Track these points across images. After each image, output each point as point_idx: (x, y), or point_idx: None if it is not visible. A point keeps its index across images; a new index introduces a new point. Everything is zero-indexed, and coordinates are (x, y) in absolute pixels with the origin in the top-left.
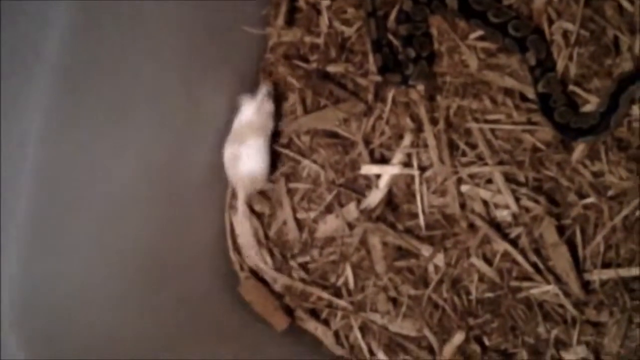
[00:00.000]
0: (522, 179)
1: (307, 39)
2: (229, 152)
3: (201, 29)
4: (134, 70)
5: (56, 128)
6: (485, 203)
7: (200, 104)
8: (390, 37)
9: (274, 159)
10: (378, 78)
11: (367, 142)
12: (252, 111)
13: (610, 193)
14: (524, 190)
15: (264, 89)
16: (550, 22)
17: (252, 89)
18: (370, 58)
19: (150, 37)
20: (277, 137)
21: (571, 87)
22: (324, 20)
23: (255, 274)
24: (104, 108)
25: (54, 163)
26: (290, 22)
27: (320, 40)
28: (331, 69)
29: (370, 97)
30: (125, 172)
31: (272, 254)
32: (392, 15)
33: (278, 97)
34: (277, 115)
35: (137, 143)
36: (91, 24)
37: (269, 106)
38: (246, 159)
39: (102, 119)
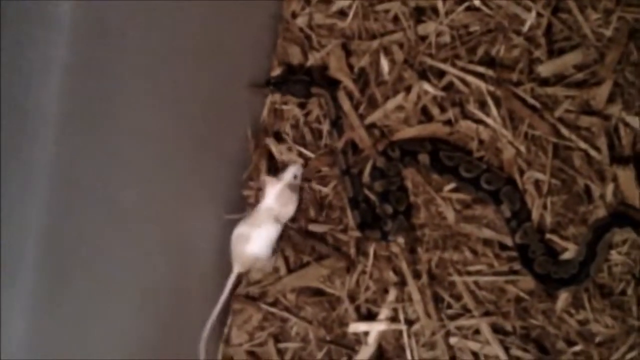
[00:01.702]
0: (509, 328)
1: None
2: (240, 230)
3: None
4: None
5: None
6: (475, 355)
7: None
8: (367, 192)
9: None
10: (358, 233)
11: (352, 298)
12: (274, 196)
13: (598, 339)
14: (512, 339)
15: (292, 170)
16: (522, 173)
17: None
18: (349, 214)
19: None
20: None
21: (548, 236)
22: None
23: None
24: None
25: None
26: None
27: None
28: (312, 228)
29: (352, 251)
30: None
31: None
32: (367, 171)
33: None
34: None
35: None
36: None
37: (294, 190)
38: (255, 241)
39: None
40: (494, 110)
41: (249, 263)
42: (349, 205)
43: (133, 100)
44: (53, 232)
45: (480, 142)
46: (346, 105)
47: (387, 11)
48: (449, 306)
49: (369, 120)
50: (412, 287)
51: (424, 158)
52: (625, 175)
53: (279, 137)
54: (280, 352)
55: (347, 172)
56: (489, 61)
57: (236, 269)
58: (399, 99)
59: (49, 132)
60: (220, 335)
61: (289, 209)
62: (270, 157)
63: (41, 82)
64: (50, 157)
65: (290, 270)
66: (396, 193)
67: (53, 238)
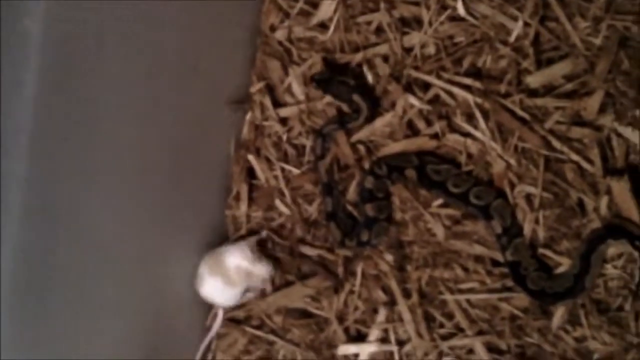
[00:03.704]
0: (504, 347)
1: (268, 215)
2: (200, 270)
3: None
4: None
5: None
6: None
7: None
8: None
9: None
10: (347, 252)
11: (340, 318)
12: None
13: (595, 357)
14: (507, 358)
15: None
16: (512, 187)
17: None
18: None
19: None
20: None
21: (541, 250)
22: (287, 199)
23: None
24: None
25: None
26: (250, 199)
27: (282, 219)
28: (303, 250)
29: (340, 270)
30: None
31: None
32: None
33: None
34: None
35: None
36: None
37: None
38: (209, 288)
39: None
40: (482, 122)
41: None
42: (322, 190)
43: (109, 118)
44: (25, 254)
45: (469, 156)
46: None
47: (369, 23)
48: (441, 325)
49: (355, 138)
50: (402, 306)
51: (410, 173)
52: (620, 187)
53: (260, 154)
54: None
55: (322, 157)
56: (476, 72)
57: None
58: (388, 117)
59: (21, 146)
60: None
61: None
62: (252, 174)
63: (14, 94)
64: (22, 173)
65: (275, 290)
66: (383, 224)
67: (24, 264)
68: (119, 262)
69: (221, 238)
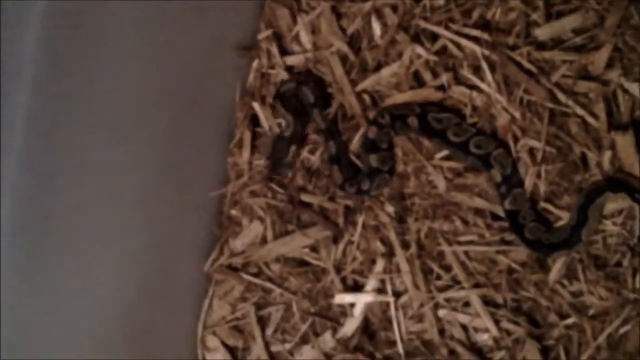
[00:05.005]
0: (500, 300)
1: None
2: None
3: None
4: None
5: None
6: (464, 327)
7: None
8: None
9: None
10: (346, 199)
11: (338, 268)
12: None
13: (591, 312)
14: (502, 312)
15: None
16: (516, 140)
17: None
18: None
19: None
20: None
21: (542, 204)
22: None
23: None
24: None
25: None
26: (252, 147)
27: None
28: (305, 198)
29: (340, 220)
30: None
31: None
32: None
33: None
34: None
35: None
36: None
37: None
38: None
39: None
40: (488, 75)
41: None
42: (323, 138)
43: (113, 61)
44: (26, 191)
45: (474, 108)
46: (338, 70)
47: None
48: (438, 277)
49: (361, 87)
50: (400, 257)
51: (412, 121)
52: (625, 141)
53: (265, 102)
54: (263, 322)
55: (329, 130)
56: (485, 24)
57: None
58: (394, 67)
59: (23, 85)
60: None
61: None
62: (256, 122)
63: (17, 33)
64: (24, 113)
65: (274, 238)
66: (384, 175)
67: (25, 199)
68: (119, 202)
69: (222, 184)
